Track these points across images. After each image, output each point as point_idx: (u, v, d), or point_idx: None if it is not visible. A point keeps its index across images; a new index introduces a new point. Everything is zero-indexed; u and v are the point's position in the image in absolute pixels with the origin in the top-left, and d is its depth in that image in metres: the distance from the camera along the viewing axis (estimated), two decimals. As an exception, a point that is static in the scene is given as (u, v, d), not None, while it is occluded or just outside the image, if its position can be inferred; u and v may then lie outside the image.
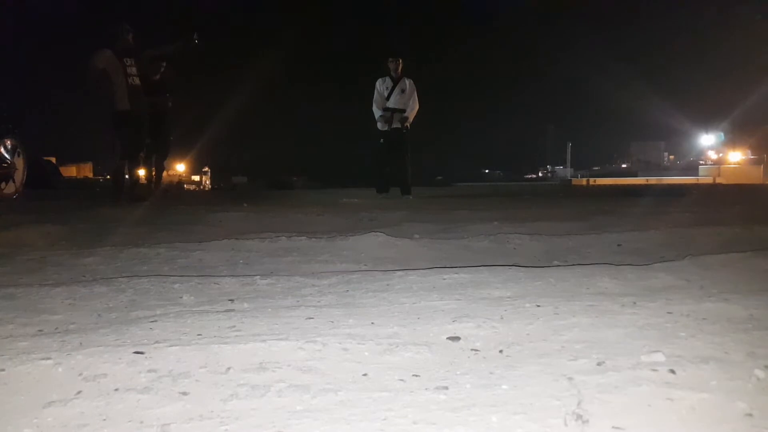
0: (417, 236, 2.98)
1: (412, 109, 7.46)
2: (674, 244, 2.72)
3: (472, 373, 1.07)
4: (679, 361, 1.07)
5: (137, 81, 6.09)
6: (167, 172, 10.13)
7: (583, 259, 2.39)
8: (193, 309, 1.57)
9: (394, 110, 7.42)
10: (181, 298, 1.72)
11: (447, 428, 0.85)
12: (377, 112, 7.45)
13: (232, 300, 1.68)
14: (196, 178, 43.61)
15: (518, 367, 1.08)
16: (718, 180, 26.02)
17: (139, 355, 1.15)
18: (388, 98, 7.44)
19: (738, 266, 1.99)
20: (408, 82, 7.49)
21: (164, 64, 7.21)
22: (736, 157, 38.14)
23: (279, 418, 0.89)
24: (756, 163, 34.76)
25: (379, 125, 7.45)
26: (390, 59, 7.52)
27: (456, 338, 1.27)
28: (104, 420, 0.90)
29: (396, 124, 7.44)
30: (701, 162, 41.71)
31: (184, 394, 0.98)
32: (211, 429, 0.86)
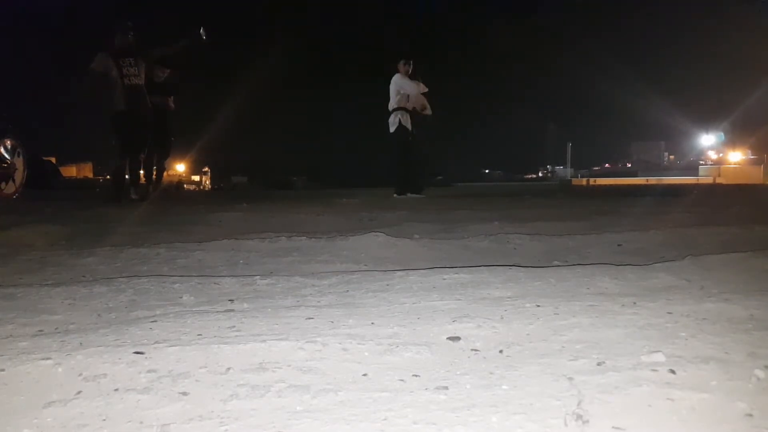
0: (417, 236, 2.98)
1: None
2: (674, 244, 2.72)
3: (472, 373, 1.07)
4: (680, 362, 1.07)
5: (135, 81, 6.06)
6: (167, 172, 10.12)
7: (584, 259, 2.39)
8: (193, 309, 1.57)
9: (413, 113, 7.49)
10: (181, 298, 1.72)
11: (447, 428, 0.85)
12: (402, 110, 7.44)
13: (232, 300, 1.68)
14: (196, 178, 43.67)
15: (518, 367, 1.08)
16: (719, 180, 26.03)
17: (139, 355, 1.15)
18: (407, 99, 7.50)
19: (738, 266, 1.98)
20: (420, 84, 7.55)
21: (167, 70, 7.21)
22: (736, 157, 38.17)
23: (279, 418, 0.89)
24: (756, 163, 34.78)
25: (403, 121, 7.45)
26: (404, 61, 7.54)
27: (456, 338, 1.27)
28: (104, 420, 0.90)
29: (413, 126, 7.51)
30: (701, 162, 41.75)
31: (184, 394, 0.98)
32: (210, 429, 0.86)
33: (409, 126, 7.48)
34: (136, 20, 6.54)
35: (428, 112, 7.63)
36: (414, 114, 7.51)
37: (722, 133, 41.86)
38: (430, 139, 7.84)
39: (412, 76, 7.53)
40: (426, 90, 7.58)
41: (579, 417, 0.86)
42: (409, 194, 7.36)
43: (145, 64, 6.22)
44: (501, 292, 1.70)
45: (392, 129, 7.51)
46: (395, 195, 7.32)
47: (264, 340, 1.22)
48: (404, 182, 7.56)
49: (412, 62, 7.57)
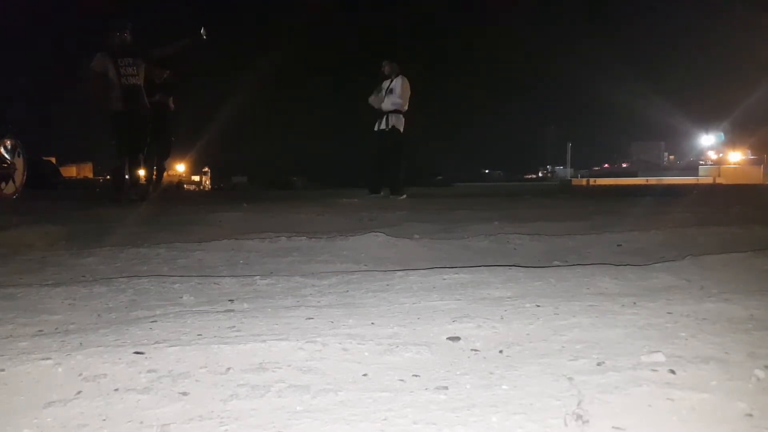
0: (417, 236, 2.98)
1: (402, 105, 7.49)
2: (674, 244, 2.72)
3: (472, 373, 1.07)
4: (680, 362, 1.07)
5: (133, 81, 6.04)
6: (167, 172, 10.12)
7: (584, 259, 2.39)
8: (193, 309, 1.57)
9: (386, 112, 7.46)
10: (181, 298, 1.72)
11: (447, 428, 0.85)
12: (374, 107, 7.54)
13: (232, 300, 1.68)
14: (196, 178, 43.74)
15: (518, 367, 1.08)
16: (718, 180, 26.09)
17: (139, 355, 1.15)
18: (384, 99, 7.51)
19: (738, 266, 1.99)
20: (396, 81, 7.49)
21: (167, 70, 7.21)
22: (736, 157, 38.23)
23: (279, 418, 0.89)
24: (756, 163, 34.85)
25: (376, 126, 7.54)
26: (383, 62, 7.58)
27: (456, 338, 1.27)
28: (104, 420, 0.90)
29: (383, 126, 7.48)
30: (701, 162, 41.83)
31: (184, 394, 0.98)
32: (211, 429, 0.86)
33: (376, 127, 7.53)
34: (135, 20, 6.52)
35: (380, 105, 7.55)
36: (386, 114, 7.51)
37: (722, 133, 41.91)
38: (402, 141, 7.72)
39: (389, 76, 7.54)
40: (389, 86, 7.50)
41: (579, 417, 0.86)
42: (371, 194, 7.41)
43: (144, 64, 6.21)
44: (501, 292, 1.70)
45: None
46: (392, 196, 7.34)
47: (264, 340, 1.22)
48: (371, 181, 7.72)
49: (386, 63, 7.57)
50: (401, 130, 7.52)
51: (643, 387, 0.96)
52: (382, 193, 7.47)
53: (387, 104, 7.49)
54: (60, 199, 7.67)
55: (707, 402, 0.91)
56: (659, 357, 1.09)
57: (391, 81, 7.49)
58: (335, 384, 1.02)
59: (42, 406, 0.95)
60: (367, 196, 7.21)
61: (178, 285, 1.85)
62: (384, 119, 7.49)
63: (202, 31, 6.20)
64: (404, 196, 7.26)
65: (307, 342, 1.22)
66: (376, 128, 7.57)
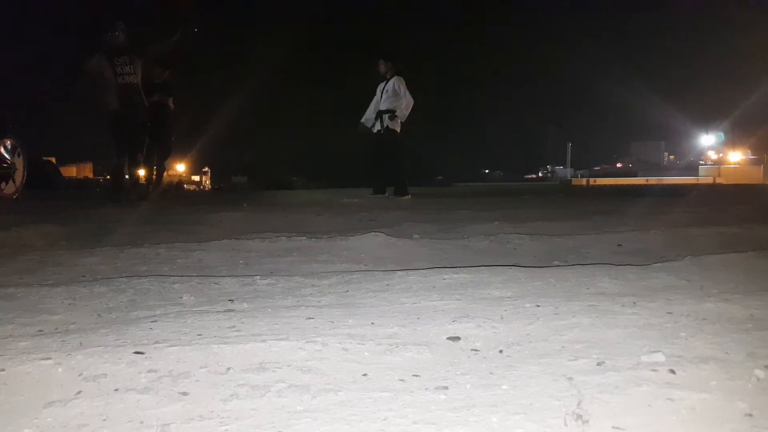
0: (417, 236, 2.98)
1: (399, 107, 7.35)
2: (674, 244, 2.72)
3: (472, 373, 1.07)
4: (680, 361, 1.07)
5: (129, 80, 6.03)
6: (167, 172, 10.12)
7: (584, 259, 2.39)
8: (193, 309, 1.57)
9: (380, 112, 7.42)
10: (181, 298, 1.72)
11: (447, 428, 0.85)
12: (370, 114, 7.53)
13: (232, 300, 1.68)
14: (196, 178, 43.76)
15: (518, 367, 1.08)
16: (718, 180, 26.10)
17: (139, 355, 1.15)
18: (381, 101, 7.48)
19: (738, 266, 1.99)
20: (391, 82, 7.41)
21: (167, 70, 7.22)
22: (736, 157, 38.26)
23: (279, 418, 0.89)
24: (756, 163, 34.89)
25: (374, 127, 7.52)
26: (379, 61, 7.52)
27: (456, 338, 1.27)
28: (104, 420, 0.90)
29: (377, 126, 7.43)
30: (701, 162, 41.86)
31: (184, 394, 0.98)
32: (211, 429, 0.86)
33: (372, 127, 7.51)
34: (131, 18, 6.52)
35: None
36: (380, 115, 7.47)
37: (722, 133, 41.94)
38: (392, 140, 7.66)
39: (385, 77, 7.49)
40: (384, 88, 7.47)
41: (579, 417, 0.86)
42: (375, 194, 7.39)
43: (142, 63, 6.20)
44: (501, 292, 1.70)
45: None
46: (394, 197, 7.30)
47: (264, 340, 1.22)
48: (374, 182, 7.69)
49: (380, 62, 7.50)
50: (397, 130, 7.42)
51: (643, 387, 0.96)
52: (386, 194, 7.41)
53: (382, 105, 7.44)
54: (60, 199, 7.67)
55: (707, 402, 0.91)
56: (659, 357, 1.09)
57: (386, 82, 7.44)
58: (335, 384, 1.02)
59: (42, 406, 0.95)
60: (369, 197, 7.19)
61: (178, 285, 1.85)
62: (379, 120, 7.44)
63: (194, 24, 6.19)
64: (408, 196, 7.14)
65: (307, 342, 1.22)
66: (374, 130, 7.55)
